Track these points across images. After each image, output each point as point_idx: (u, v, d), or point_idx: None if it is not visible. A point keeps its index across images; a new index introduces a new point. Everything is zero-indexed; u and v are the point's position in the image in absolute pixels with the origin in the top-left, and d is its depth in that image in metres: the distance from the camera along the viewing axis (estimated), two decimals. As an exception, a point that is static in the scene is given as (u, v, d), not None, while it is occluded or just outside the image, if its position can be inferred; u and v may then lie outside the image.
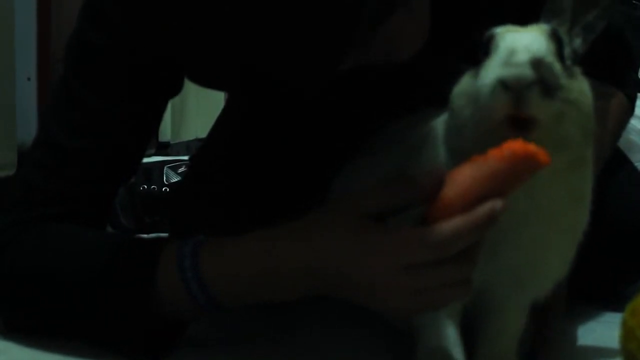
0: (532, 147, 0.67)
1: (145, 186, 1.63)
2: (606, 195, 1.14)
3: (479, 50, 0.72)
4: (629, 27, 1.21)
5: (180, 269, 0.84)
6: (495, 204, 0.69)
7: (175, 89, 1.04)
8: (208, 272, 0.84)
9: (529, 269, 0.78)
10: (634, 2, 1.83)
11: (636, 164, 1.26)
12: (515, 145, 0.68)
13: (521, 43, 0.69)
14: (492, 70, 0.69)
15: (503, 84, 0.67)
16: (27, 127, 1.98)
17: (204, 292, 0.84)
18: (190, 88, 1.08)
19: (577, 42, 0.76)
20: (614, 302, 1.07)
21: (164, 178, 1.65)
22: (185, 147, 2.94)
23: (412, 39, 0.86)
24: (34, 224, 0.95)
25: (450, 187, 0.71)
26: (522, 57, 0.67)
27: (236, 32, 0.78)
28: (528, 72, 0.67)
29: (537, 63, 0.67)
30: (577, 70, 0.73)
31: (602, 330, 1.05)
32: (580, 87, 0.72)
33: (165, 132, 2.89)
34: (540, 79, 0.67)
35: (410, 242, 0.73)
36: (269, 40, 0.77)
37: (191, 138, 3.00)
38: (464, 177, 0.70)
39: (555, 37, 0.72)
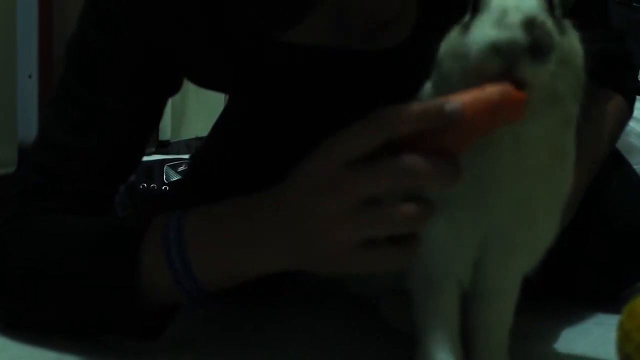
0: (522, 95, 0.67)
1: (145, 185, 1.63)
2: (604, 197, 1.14)
3: (467, 4, 0.72)
4: (628, 29, 1.22)
5: (164, 241, 0.84)
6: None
7: (175, 88, 1.05)
8: (190, 240, 0.83)
9: (518, 229, 0.77)
10: (634, 4, 1.83)
11: (635, 167, 1.26)
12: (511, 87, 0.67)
13: (512, 1, 0.68)
14: (483, 31, 0.68)
15: (495, 48, 0.66)
16: (28, 125, 1.98)
17: (183, 261, 0.83)
18: (191, 87, 1.09)
19: None
20: (612, 303, 1.07)
21: (164, 177, 1.65)
22: (185, 145, 2.94)
23: (397, 14, 0.85)
24: (30, 218, 0.96)
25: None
26: (514, 17, 0.67)
27: None
28: (520, 36, 0.66)
29: (529, 23, 0.67)
30: (566, 22, 0.72)
31: (600, 332, 1.05)
32: (571, 43, 0.71)
33: (166, 130, 2.90)
34: (533, 42, 0.66)
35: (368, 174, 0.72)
36: None
37: (191, 137, 3.00)
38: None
39: None
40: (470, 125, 0.68)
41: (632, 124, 1.39)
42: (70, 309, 0.91)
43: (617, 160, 1.21)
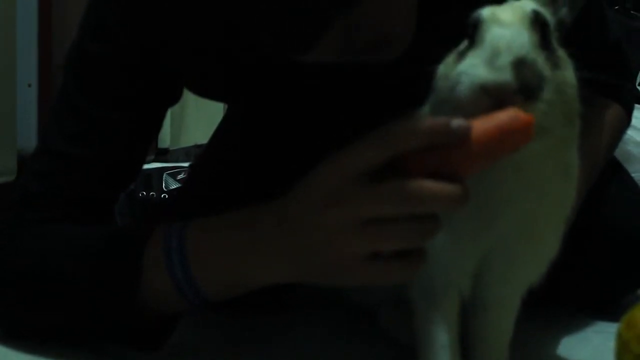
0: (531, 118, 0.68)
1: (144, 193, 1.63)
2: (602, 205, 1.14)
3: (465, 32, 0.72)
4: (626, 38, 1.22)
5: (166, 249, 0.84)
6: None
7: (174, 98, 1.05)
8: (191, 248, 0.84)
9: (520, 241, 0.78)
10: (632, 12, 1.84)
11: (634, 175, 1.27)
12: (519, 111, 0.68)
13: (504, 41, 0.69)
14: (473, 70, 0.69)
15: (484, 89, 0.68)
16: (28, 134, 1.99)
17: (184, 268, 0.84)
18: (190, 95, 1.09)
19: (563, 11, 0.76)
20: (611, 311, 1.07)
21: (163, 185, 1.65)
22: (184, 153, 2.94)
23: (400, 29, 0.86)
24: (30, 225, 0.96)
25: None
26: (505, 59, 0.68)
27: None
28: (509, 79, 0.67)
29: (519, 64, 0.68)
30: (561, 54, 0.73)
31: (599, 341, 1.06)
32: (564, 78, 0.72)
33: (165, 138, 2.90)
34: (522, 84, 0.67)
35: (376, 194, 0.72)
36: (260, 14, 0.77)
37: (190, 144, 3.00)
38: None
39: (538, 22, 0.72)
40: (482, 150, 0.68)
41: (630, 132, 1.40)
42: (70, 314, 0.91)
43: (616, 169, 1.22)
